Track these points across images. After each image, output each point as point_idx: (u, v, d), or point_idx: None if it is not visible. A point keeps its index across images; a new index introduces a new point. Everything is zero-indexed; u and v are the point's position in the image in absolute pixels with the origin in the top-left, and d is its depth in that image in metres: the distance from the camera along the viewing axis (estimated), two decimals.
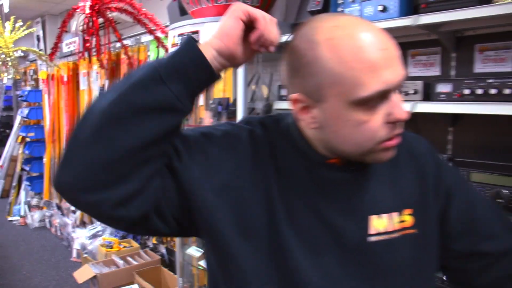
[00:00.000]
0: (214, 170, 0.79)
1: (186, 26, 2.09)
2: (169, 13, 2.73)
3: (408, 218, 0.83)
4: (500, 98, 1.31)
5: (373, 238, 0.80)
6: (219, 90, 2.81)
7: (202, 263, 2.53)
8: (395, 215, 0.82)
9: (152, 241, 3.74)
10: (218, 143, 0.82)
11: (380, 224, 0.81)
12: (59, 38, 3.21)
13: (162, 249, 3.62)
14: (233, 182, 0.79)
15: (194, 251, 2.59)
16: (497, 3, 1.33)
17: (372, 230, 0.80)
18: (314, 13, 1.92)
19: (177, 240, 2.77)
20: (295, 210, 0.79)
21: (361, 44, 0.68)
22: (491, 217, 0.91)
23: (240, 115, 1.99)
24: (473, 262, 0.89)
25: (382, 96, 0.70)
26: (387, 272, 0.81)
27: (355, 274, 0.79)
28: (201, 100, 3.08)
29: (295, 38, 0.76)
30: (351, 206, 0.81)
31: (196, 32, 2.02)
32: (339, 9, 1.73)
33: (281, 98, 2.02)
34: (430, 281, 0.88)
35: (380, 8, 1.57)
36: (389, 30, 0.95)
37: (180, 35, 2.16)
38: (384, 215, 0.81)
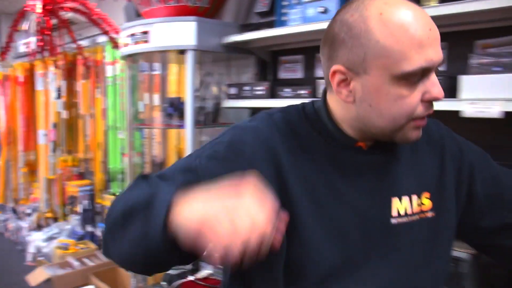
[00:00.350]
0: None
1: (136, 27, 2.11)
2: (126, 14, 2.73)
3: (426, 202, 0.86)
4: None
5: (394, 220, 0.83)
6: (172, 91, 2.84)
7: None
8: (415, 198, 0.85)
9: None
10: (223, 159, 0.80)
11: (401, 206, 0.84)
12: (10, 38, 3.16)
13: None
14: None
15: None
16: (426, 6, 1.42)
17: (394, 212, 0.83)
18: (261, 14, 1.99)
19: None
20: (319, 195, 0.80)
21: (410, 22, 0.71)
22: None
23: (188, 114, 2.02)
24: (506, 236, 0.91)
25: (423, 73, 0.73)
26: (405, 254, 0.83)
27: (375, 256, 0.81)
28: (156, 100, 3.09)
29: (343, 13, 0.77)
30: (375, 188, 0.83)
31: (146, 32, 2.04)
32: (284, 10, 1.80)
33: (230, 96, 2.06)
34: (445, 263, 0.91)
35: (321, 9, 1.65)
36: None
37: (132, 35, 2.17)
38: (405, 198, 0.84)
